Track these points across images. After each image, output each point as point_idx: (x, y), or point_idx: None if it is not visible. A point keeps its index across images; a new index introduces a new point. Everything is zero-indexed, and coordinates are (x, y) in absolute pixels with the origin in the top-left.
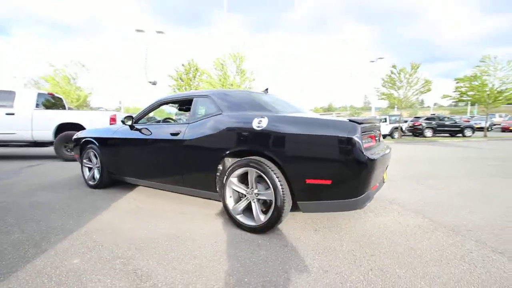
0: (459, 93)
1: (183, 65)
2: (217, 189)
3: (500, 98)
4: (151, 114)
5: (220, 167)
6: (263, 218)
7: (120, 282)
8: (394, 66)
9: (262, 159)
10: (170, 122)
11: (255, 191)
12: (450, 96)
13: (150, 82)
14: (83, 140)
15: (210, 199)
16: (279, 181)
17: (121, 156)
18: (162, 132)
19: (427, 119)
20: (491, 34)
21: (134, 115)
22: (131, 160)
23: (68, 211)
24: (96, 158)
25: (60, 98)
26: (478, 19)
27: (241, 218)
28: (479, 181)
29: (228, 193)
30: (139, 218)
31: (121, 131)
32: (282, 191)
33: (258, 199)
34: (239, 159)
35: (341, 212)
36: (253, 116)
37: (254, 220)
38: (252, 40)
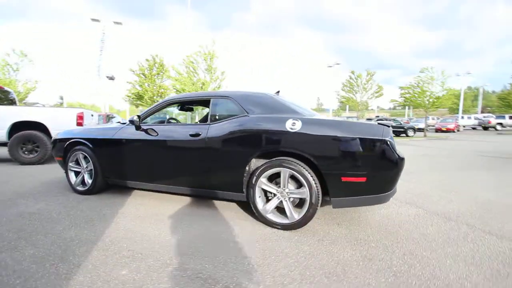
0: (403, 98)
1: (147, 60)
2: (243, 190)
3: (437, 103)
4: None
5: (247, 168)
6: (297, 215)
7: None
8: (352, 72)
9: (294, 160)
10: (174, 122)
11: (287, 190)
12: (397, 101)
13: (107, 77)
14: (70, 141)
15: (231, 200)
16: (313, 180)
17: (127, 159)
18: (177, 133)
19: (377, 120)
20: (420, 47)
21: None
22: (141, 163)
23: (73, 221)
24: (88, 161)
25: (9, 92)
26: (408, 34)
27: (272, 217)
28: (444, 175)
29: (258, 193)
30: (161, 224)
31: (126, 132)
32: (317, 189)
33: (289, 198)
34: (269, 160)
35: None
36: (285, 118)
37: (287, 218)
38: (215, 37)
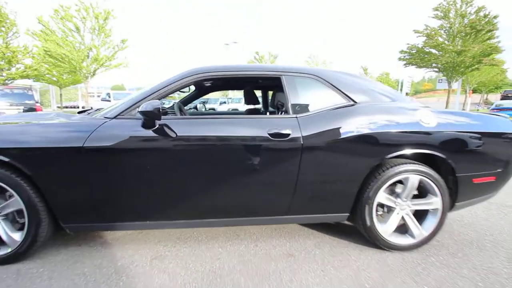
0: None
1: None
2: (349, 209)
3: None
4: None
5: (363, 178)
6: (424, 231)
7: None
8: (257, 52)
9: (419, 163)
10: (212, 111)
11: (410, 202)
12: None
13: None
14: None
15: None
16: (445, 185)
17: (129, 183)
18: (240, 132)
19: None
20: None
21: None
22: (164, 188)
23: None
24: (4, 198)
25: None
26: None
27: (394, 239)
28: None
29: (375, 210)
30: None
31: (118, 131)
32: (450, 196)
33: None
34: (391, 165)
35: None
36: (411, 108)
37: (410, 236)
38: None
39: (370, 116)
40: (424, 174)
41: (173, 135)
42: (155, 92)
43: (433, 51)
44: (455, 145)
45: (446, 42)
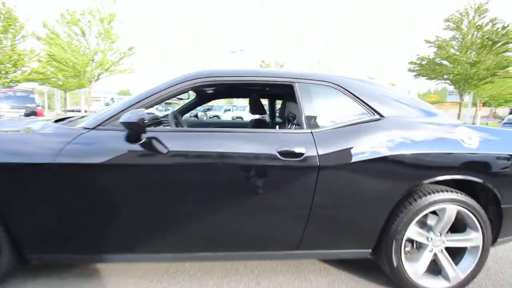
0: None
1: None
2: (373, 244)
3: None
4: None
5: (392, 209)
6: (461, 272)
7: None
8: (263, 61)
9: (455, 190)
10: (216, 120)
11: (445, 237)
12: None
13: None
14: None
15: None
16: (486, 218)
17: (109, 207)
18: (237, 148)
19: None
20: None
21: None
22: (151, 212)
23: None
24: None
25: None
26: None
27: (423, 282)
28: None
29: (404, 247)
30: None
31: (95, 145)
32: (491, 231)
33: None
34: (424, 193)
35: None
36: (449, 125)
37: (445, 279)
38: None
39: (401, 133)
40: (464, 205)
41: (164, 150)
42: (145, 98)
43: (445, 62)
44: (502, 170)
45: (458, 53)
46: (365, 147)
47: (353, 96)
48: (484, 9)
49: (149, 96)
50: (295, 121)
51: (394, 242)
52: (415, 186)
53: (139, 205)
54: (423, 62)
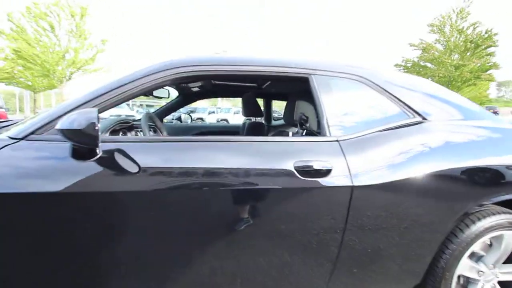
0: None
1: None
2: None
3: None
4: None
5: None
6: None
7: None
8: None
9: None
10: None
11: (499, 270)
12: None
13: None
14: None
15: None
16: None
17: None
18: (237, 163)
19: None
20: None
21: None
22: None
23: None
24: None
25: None
26: None
27: None
28: None
29: (454, 285)
30: None
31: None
32: None
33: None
34: (481, 217)
35: None
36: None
37: None
38: None
39: (453, 140)
40: None
41: (133, 169)
42: (101, 95)
43: (429, 65)
44: None
45: (443, 56)
46: (410, 159)
47: (387, 93)
48: (466, 13)
49: (108, 92)
50: (307, 124)
51: (443, 282)
52: (470, 209)
53: (90, 247)
54: (408, 65)
